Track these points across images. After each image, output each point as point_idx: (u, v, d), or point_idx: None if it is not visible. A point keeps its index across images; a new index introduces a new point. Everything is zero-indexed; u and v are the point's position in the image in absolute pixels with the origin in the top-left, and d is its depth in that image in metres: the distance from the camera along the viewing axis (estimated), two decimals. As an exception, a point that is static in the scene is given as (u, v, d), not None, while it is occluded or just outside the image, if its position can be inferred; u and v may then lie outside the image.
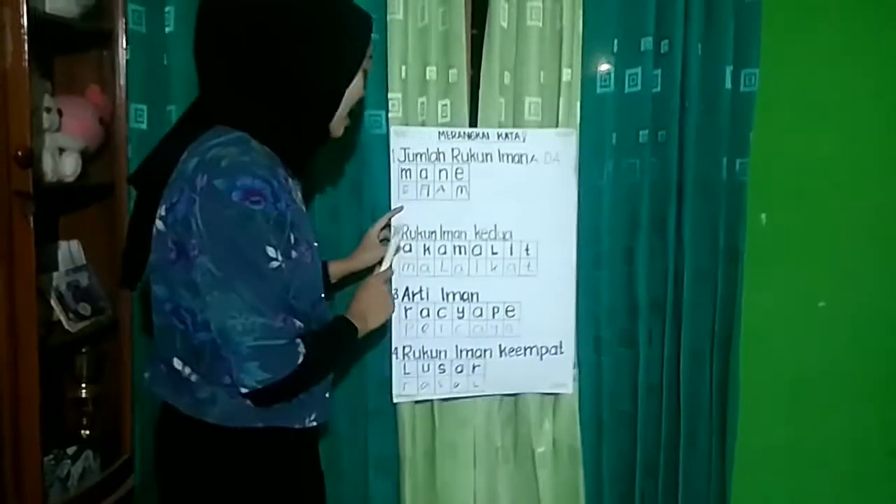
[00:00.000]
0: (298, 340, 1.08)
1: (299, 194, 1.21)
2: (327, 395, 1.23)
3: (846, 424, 1.91)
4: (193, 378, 1.12)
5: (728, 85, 1.70)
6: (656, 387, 1.80)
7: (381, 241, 1.59)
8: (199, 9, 1.12)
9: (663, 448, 1.81)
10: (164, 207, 1.08)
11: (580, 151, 1.70)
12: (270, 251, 1.04)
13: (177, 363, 1.13)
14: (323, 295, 1.22)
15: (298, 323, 1.10)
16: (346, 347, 1.26)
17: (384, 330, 1.64)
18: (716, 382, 1.79)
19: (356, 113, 1.34)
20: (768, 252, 1.83)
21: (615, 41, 1.71)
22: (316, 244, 1.18)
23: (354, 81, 1.18)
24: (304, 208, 1.19)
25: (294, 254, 1.10)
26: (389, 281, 1.54)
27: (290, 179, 1.16)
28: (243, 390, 1.06)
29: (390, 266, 1.50)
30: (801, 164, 1.86)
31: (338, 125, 1.22)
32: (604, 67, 1.72)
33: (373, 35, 1.22)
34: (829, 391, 1.90)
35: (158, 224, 1.09)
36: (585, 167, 1.71)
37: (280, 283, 1.07)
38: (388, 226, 1.61)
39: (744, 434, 1.81)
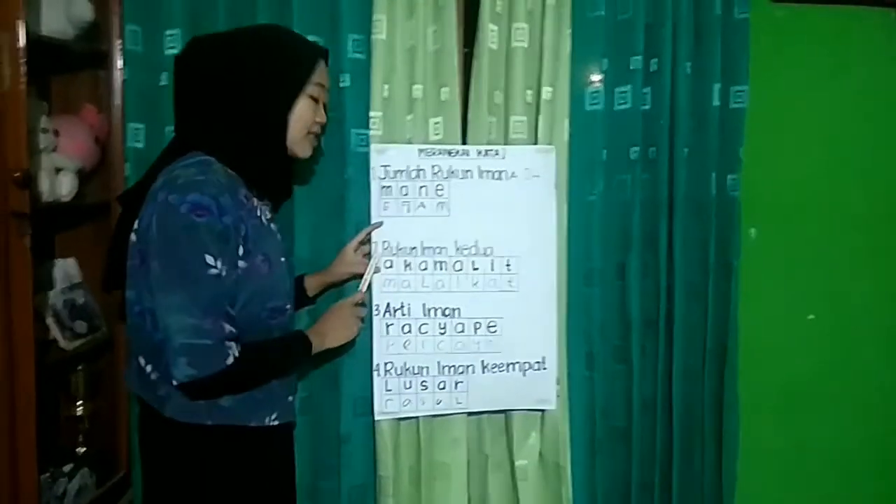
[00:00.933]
0: (231, 343, 1.19)
1: (268, 213, 1.35)
2: (290, 398, 1.36)
3: (837, 437, 1.92)
4: (153, 376, 1.24)
5: (716, 102, 1.73)
6: (650, 402, 1.81)
7: (364, 255, 1.64)
8: (176, 57, 1.33)
9: (658, 464, 1.81)
10: (137, 221, 1.23)
11: (570, 168, 1.72)
12: (209, 259, 1.16)
13: (142, 361, 1.26)
14: (288, 306, 1.34)
15: (229, 327, 1.19)
16: (293, 358, 1.37)
17: (365, 347, 1.66)
18: (709, 398, 1.80)
19: (319, 135, 1.41)
20: (758, 266, 1.85)
21: (604, 60, 1.73)
22: (283, 259, 1.32)
23: (299, 106, 1.32)
24: (269, 226, 1.33)
25: (243, 264, 1.22)
26: (363, 304, 1.59)
27: (253, 199, 1.30)
28: (174, 383, 1.18)
29: (367, 288, 1.57)
30: (789, 179, 1.88)
31: (299, 147, 1.35)
32: (593, 85, 1.74)
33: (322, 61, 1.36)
34: (820, 404, 1.92)
35: (132, 236, 1.24)
36: (576, 184, 1.73)
37: (217, 289, 1.18)
38: (367, 241, 1.64)
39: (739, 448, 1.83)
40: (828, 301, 1.91)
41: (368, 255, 1.65)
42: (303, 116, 1.33)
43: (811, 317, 1.91)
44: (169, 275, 1.16)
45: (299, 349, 1.38)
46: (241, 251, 1.22)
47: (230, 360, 1.18)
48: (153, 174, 1.27)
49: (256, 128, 1.29)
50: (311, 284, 1.61)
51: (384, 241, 1.65)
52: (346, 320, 1.51)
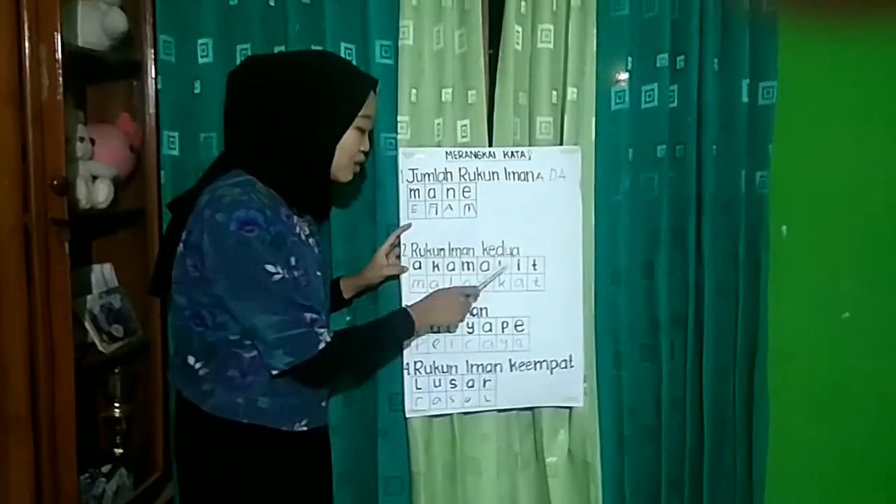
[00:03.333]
0: (322, 330, 1.27)
1: (307, 229, 1.39)
2: (323, 403, 1.42)
3: (873, 437, 1.88)
4: (202, 372, 1.31)
5: (745, 98, 1.71)
6: (679, 401, 1.80)
7: (396, 257, 1.67)
8: (227, 77, 1.37)
9: (688, 463, 1.80)
10: (185, 233, 1.29)
11: (596, 168, 1.71)
12: (270, 268, 1.24)
13: (190, 359, 1.32)
14: (324, 316, 1.37)
15: (311, 315, 1.27)
16: (394, 333, 1.49)
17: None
18: (740, 397, 1.79)
19: (363, 162, 1.45)
20: (790, 264, 1.83)
21: (630, 58, 1.72)
22: (319, 272, 1.37)
23: (346, 136, 1.36)
24: (308, 240, 1.37)
25: (295, 273, 1.29)
26: (475, 296, 1.65)
27: (294, 217, 1.36)
28: (274, 372, 1.27)
29: (479, 292, 1.65)
30: (821, 174, 1.85)
31: (342, 173, 1.39)
32: (619, 84, 1.74)
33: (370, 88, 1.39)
34: (855, 403, 1.88)
35: (180, 246, 1.29)
36: (602, 183, 1.73)
37: (286, 289, 1.25)
38: (398, 244, 1.66)
39: (770, 448, 1.80)
40: (863, 299, 1.87)
41: (399, 258, 1.67)
42: (349, 147, 1.37)
43: (846, 315, 1.88)
44: (238, 287, 1.24)
45: (400, 323, 1.47)
46: (292, 261, 1.29)
47: (322, 345, 1.27)
48: (198, 187, 1.33)
49: (303, 156, 1.34)
50: (347, 287, 1.65)
51: (413, 243, 1.67)
52: (455, 303, 1.57)
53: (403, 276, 1.67)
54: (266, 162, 1.32)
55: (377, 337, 1.46)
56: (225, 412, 1.31)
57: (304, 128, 1.32)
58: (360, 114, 1.36)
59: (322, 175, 1.38)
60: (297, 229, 1.35)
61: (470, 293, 1.62)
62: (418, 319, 1.48)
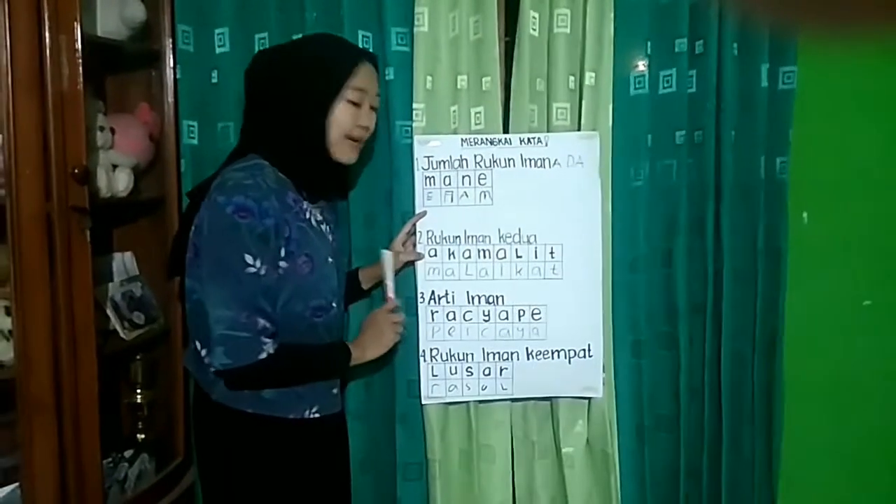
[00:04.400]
0: (267, 340, 1.26)
1: (319, 215, 1.38)
2: (335, 390, 1.41)
3: (892, 425, 1.87)
4: (207, 360, 1.29)
5: (765, 83, 1.69)
6: (698, 389, 1.78)
7: (413, 245, 1.67)
8: (245, 70, 1.41)
9: (706, 451, 1.79)
10: (197, 217, 1.30)
11: (614, 154, 1.70)
12: (249, 258, 1.24)
13: (198, 345, 1.32)
14: (335, 304, 1.38)
15: (264, 323, 1.26)
16: (331, 366, 1.42)
17: (415, 332, 1.68)
18: (759, 384, 1.77)
19: (362, 140, 1.42)
20: (811, 251, 1.81)
21: (648, 43, 1.71)
22: (331, 259, 1.36)
23: (337, 110, 1.35)
24: (320, 227, 1.37)
25: (284, 264, 1.29)
26: (398, 309, 1.58)
27: (303, 202, 1.36)
28: (211, 369, 1.27)
29: (395, 295, 1.58)
30: (843, 160, 1.82)
31: (339, 151, 1.37)
32: (637, 69, 1.72)
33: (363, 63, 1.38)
34: (876, 392, 1.86)
35: (192, 229, 1.30)
36: (620, 169, 1.71)
37: (254, 286, 1.24)
38: (414, 231, 1.66)
39: (789, 436, 1.79)
40: (885, 286, 1.85)
41: (415, 246, 1.67)
42: (340, 121, 1.35)
43: (867, 303, 1.86)
44: (213, 270, 1.25)
45: (338, 358, 1.42)
46: (282, 252, 1.28)
47: (263, 355, 1.25)
48: (215, 174, 1.35)
49: (297, 132, 1.35)
50: (365, 277, 1.65)
51: (428, 231, 1.67)
52: (382, 331, 1.50)
53: (419, 264, 1.67)
54: (269, 143, 1.35)
55: (314, 365, 1.38)
56: (231, 402, 1.33)
57: (294, 104, 1.34)
58: (350, 86, 1.35)
59: (318, 152, 1.36)
60: (308, 215, 1.36)
61: (389, 308, 1.54)
62: (355, 355, 1.43)
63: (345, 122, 1.36)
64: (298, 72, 1.34)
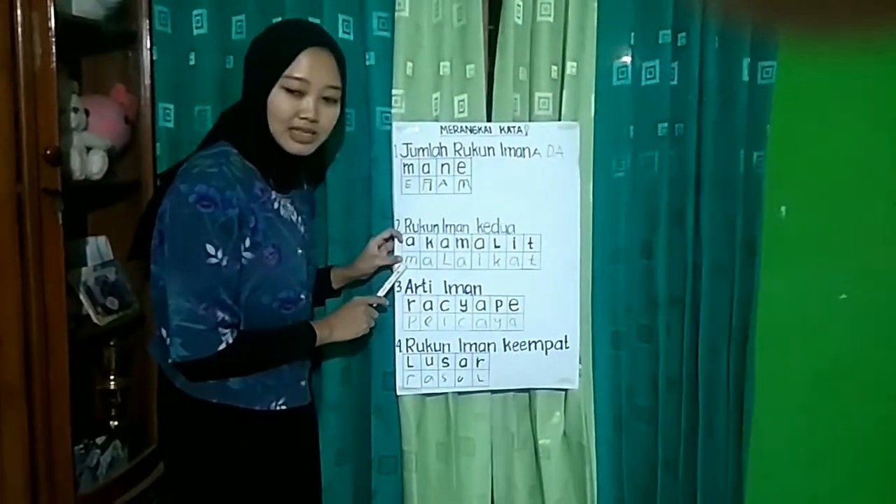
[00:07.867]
0: (225, 331, 1.25)
1: (288, 206, 1.38)
2: (303, 382, 1.40)
3: (866, 418, 1.89)
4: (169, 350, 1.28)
5: (745, 77, 1.70)
6: (675, 381, 1.80)
7: (388, 252, 1.66)
8: None
9: (683, 442, 1.80)
10: (161, 204, 1.28)
11: (596, 145, 1.70)
12: (210, 249, 1.22)
13: (163, 332, 1.31)
14: (303, 296, 1.37)
15: (223, 315, 1.24)
16: (295, 348, 1.39)
17: (391, 323, 1.67)
18: (733, 376, 1.79)
19: (308, 132, 1.33)
20: (788, 245, 1.83)
21: (632, 34, 1.71)
22: (300, 250, 1.35)
23: (273, 97, 1.29)
24: (291, 218, 1.36)
25: (249, 255, 1.27)
26: (380, 307, 1.58)
27: (270, 192, 1.34)
28: (170, 360, 1.26)
29: (387, 293, 1.59)
30: (821, 155, 1.84)
31: (282, 140, 1.32)
32: (620, 60, 1.72)
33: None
34: (850, 384, 1.88)
35: (157, 216, 1.28)
36: (601, 160, 1.71)
37: (214, 277, 1.23)
38: (391, 237, 1.65)
39: (763, 428, 1.82)
40: (860, 280, 1.87)
41: (391, 252, 1.65)
42: (277, 109, 1.30)
43: (843, 296, 1.88)
44: (174, 260, 1.24)
45: (302, 339, 1.39)
46: (247, 243, 1.27)
47: (222, 346, 1.24)
48: (185, 159, 1.33)
49: (244, 121, 1.33)
50: (337, 277, 1.62)
51: (406, 219, 1.66)
52: (357, 317, 1.48)
53: (397, 250, 1.65)
54: (230, 130, 1.35)
55: (277, 349, 1.36)
56: (194, 391, 1.31)
57: (244, 92, 1.35)
58: (289, 74, 1.28)
59: (262, 139, 1.31)
60: (276, 205, 1.34)
61: (374, 302, 1.55)
62: (320, 335, 1.40)
63: (281, 111, 1.29)
64: (249, 59, 1.35)
